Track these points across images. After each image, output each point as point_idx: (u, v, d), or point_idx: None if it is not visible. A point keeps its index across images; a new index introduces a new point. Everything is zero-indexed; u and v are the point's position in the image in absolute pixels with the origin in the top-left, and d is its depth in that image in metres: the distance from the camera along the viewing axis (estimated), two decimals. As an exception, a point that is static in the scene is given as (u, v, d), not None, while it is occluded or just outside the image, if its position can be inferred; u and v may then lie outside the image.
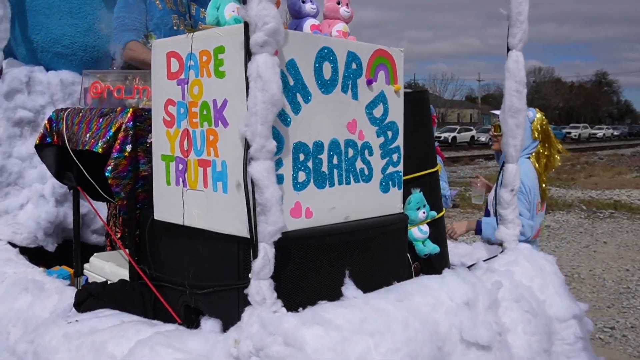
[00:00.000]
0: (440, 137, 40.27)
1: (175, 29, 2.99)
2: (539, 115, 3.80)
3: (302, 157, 1.91)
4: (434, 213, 2.60)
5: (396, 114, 2.29)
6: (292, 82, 1.86)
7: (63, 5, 3.70)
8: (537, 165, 3.75)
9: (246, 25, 1.68)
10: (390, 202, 2.29)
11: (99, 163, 2.36)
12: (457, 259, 2.96)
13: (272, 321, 1.65)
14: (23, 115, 3.51)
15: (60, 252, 3.47)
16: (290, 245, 1.82)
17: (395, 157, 2.30)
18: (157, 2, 2.95)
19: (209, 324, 1.86)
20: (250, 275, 1.69)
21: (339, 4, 2.29)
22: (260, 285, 1.69)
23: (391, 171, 2.29)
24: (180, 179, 2.03)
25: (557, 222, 11.33)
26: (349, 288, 1.87)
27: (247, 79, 1.68)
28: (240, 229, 1.78)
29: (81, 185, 2.73)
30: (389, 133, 2.27)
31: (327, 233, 1.97)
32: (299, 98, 1.89)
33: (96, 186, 2.49)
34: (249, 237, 1.72)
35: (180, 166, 2.02)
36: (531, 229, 3.59)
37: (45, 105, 3.61)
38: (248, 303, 1.71)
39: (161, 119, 2.09)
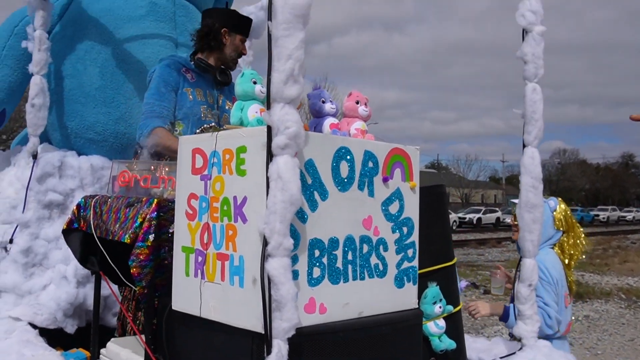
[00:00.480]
0: (465, 218, 39.93)
1: (203, 119, 3.12)
2: (562, 205, 3.80)
3: (317, 253, 1.95)
4: (450, 307, 2.60)
5: (412, 210, 2.34)
6: (310, 181, 1.93)
7: (98, 95, 3.91)
8: (562, 256, 3.71)
9: (269, 127, 1.78)
10: (405, 298, 2.31)
11: (122, 249, 2.44)
12: (475, 355, 2.91)
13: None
14: (53, 199, 3.64)
15: (82, 333, 3.50)
16: (303, 341, 1.83)
17: (410, 252, 2.33)
18: (189, 93, 3.10)
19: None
20: (263, 372, 1.70)
21: (357, 103, 2.40)
22: (273, 382, 1.70)
23: (406, 267, 2.32)
24: (199, 271, 2.08)
25: (596, 312, 10.78)
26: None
27: (267, 178, 1.76)
28: (254, 324, 1.81)
29: (103, 270, 2.79)
30: (405, 229, 2.31)
31: (341, 329, 1.98)
32: (316, 196, 1.96)
33: (119, 273, 2.55)
34: (263, 332, 1.74)
35: (200, 258, 2.08)
36: (560, 323, 3.47)
37: (75, 189, 3.75)
38: (261, 399, 1.71)
39: (184, 211, 2.16)
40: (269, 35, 1.82)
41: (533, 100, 2.80)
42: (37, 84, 3.68)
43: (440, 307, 2.52)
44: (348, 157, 2.08)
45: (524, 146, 2.86)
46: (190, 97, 3.10)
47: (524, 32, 2.83)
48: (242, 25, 3.25)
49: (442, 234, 2.79)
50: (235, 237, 1.93)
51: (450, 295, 2.66)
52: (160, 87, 3.02)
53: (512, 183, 67.88)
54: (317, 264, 1.95)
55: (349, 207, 2.08)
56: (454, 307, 2.68)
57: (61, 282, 3.54)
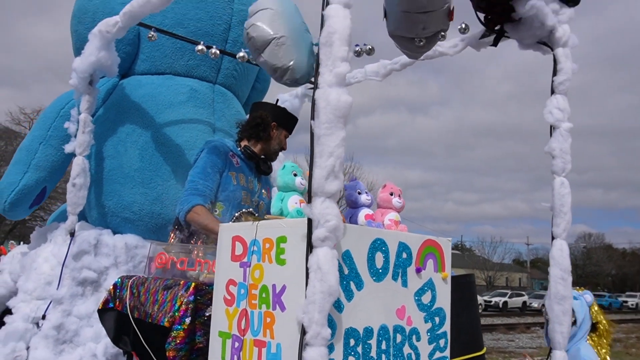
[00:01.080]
0: (491, 301, 38.98)
1: (243, 204, 3.23)
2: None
3: (352, 342, 1.99)
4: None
5: (444, 300, 2.38)
6: (346, 271, 2.00)
7: (137, 176, 4.06)
8: (597, 349, 3.67)
9: (309, 219, 1.87)
10: (438, 390, 2.30)
11: (153, 329, 2.49)
12: None
13: None
14: (87, 276, 3.73)
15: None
16: None
17: (442, 342, 2.35)
18: (233, 177, 3.23)
19: None
20: None
21: (391, 195, 2.50)
22: None
23: (438, 356, 2.33)
24: (235, 357, 2.11)
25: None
26: None
27: (307, 269, 1.83)
28: (291, 414, 1.82)
29: (136, 350, 2.83)
30: (437, 319, 2.34)
31: (375, 421, 1.99)
32: (352, 286, 2.02)
33: (152, 355, 2.59)
34: (299, 421, 1.76)
35: (237, 344, 2.12)
36: None
37: (109, 267, 3.84)
38: None
39: (222, 297, 2.23)
40: (312, 133, 1.94)
41: (561, 193, 2.86)
42: (79, 165, 3.85)
43: (471, 400, 2.50)
44: (383, 248, 2.15)
45: (552, 238, 2.89)
46: (234, 181, 3.22)
47: (552, 128, 2.93)
48: (290, 122, 3.45)
49: (471, 323, 2.80)
50: (273, 324, 1.98)
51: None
52: (207, 167, 3.15)
53: (536, 266, 66.54)
54: (352, 353, 1.98)
55: (384, 297, 2.13)
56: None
57: (90, 361, 3.57)
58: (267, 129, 3.33)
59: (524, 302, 41.73)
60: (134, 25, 3.65)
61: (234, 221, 3.03)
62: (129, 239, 4.01)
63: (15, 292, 4.06)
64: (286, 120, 3.45)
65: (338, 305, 1.95)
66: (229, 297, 2.20)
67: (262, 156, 3.38)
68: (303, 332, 1.80)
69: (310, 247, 1.86)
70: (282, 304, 1.97)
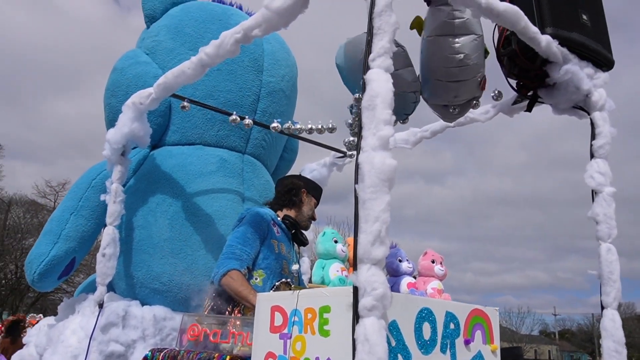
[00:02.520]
0: (526, 378, 37.49)
1: (283, 273, 3.17)
2: None
3: (402, 421, 1.86)
4: None
5: (494, 374, 2.24)
6: (393, 343, 1.90)
7: (166, 246, 4.01)
8: None
9: (355, 288, 1.79)
10: None
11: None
12: None
13: None
14: (115, 349, 3.62)
15: None
16: None
17: (494, 421, 2.20)
18: (275, 245, 3.19)
19: None
20: None
21: (433, 262, 2.41)
22: None
23: None
24: None
25: None
26: None
27: (353, 340, 1.74)
28: None
29: None
30: (488, 395, 2.20)
31: None
32: (400, 359, 1.91)
33: None
34: None
35: (277, 423, 2.00)
36: None
37: (137, 339, 3.73)
38: None
39: (261, 371, 2.12)
40: (356, 198, 1.89)
41: (609, 260, 2.75)
42: (109, 234, 3.81)
43: None
44: (430, 318, 2.05)
45: (602, 308, 2.76)
46: (276, 249, 3.18)
47: (594, 193, 2.85)
48: (317, 190, 3.51)
49: (521, 400, 2.63)
50: (318, 400, 1.87)
51: None
52: (247, 234, 3.11)
53: (564, 337, 64.15)
54: None
55: (432, 372, 2.01)
56: None
57: None
58: (299, 194, 3.38)
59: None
60: (167, 96, 3.71)
61: (273, 291, 2.96)
62: (158, 310, 3.92)
63: (41, 366, 3.97)
64: (314, 188, 3.50)
65: (386, 380, 1.83)
66: (268, 371, 2.10)
67: (298, 225, 3.37)
68: (351, 409, 1.68)
69: (356, 317, 1.77)
70: (326, 379, 1.86)
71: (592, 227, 2.84)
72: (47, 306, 25.08)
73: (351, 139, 3.29)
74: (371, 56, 2.02)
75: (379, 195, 1.86)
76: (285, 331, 2.06)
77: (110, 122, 4.42)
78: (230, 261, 3.04)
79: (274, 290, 2.96)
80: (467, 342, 2.16)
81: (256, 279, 3.12)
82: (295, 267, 3.30)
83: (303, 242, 3.46)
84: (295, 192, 3.37)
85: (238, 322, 2.67)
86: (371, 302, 1.75)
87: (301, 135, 3.99)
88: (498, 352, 2.29)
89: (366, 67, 2.03)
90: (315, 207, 3.46)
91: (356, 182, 1.91)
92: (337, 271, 2.12)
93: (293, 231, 3.38)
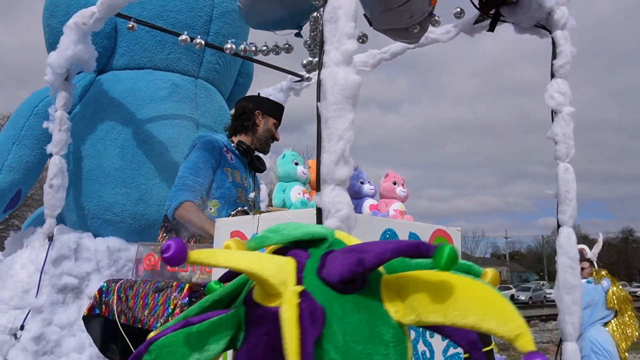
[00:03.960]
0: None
1: (238, 202, 3.08)
2: (614, 287, 3.75)
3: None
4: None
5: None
6: (358, 264, 1.86)
7: (118, 176, 3.86)
8: (614, 336, 3.63)
9: (318, 209, 1.73)
10: (453, 388, 2.18)
11: (146, 336, 2.32)
12: None
13: None
14: (68, 282, 3.52)
15: None
16: None
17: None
18: (229, 173, 3.07)
19: None
20: None
21: (395, 184, 2.37)
22: None
23: (452, 353, 2.22)
24: None
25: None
26: None
27: (317, 263, 1.69)
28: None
29: (124, 359, 2.65)
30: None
31: None
32: (364, 280, 1.88)
33: (144, 363, 2.41)
34: None
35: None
36: None
37: (91, 272, 3.64)
38: None
39: (221, 297, 2.07)
40: (318, 116, 1.80)
41: (566, 179, 2.76)
42: (56, 165, 3.63)
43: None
44: (394, 239, 2.01)
45: (558, 226, 2.80)
46: (230, 177, 3.06)
47: (553, 113, 2.83)
48: (275, 109, 3.29)
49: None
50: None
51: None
52: (199, 163, 2.98)
53: (514, 259, 67.30)
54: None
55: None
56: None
57: (74, 372, 3.37)
58: (252, 117, 3.19)
59: (512, 296, 42.04)
60: (112, 16, 3.46)
61: None
62: (111, 242, 3.81)
63: (-10, 303, 3.84)
64: (270, 108, 3.29)
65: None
66: (229, 297, 2.04)
67: (255, 151, 3.24)
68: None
69: (320, 239, 1.71)
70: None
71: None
72: (-3, 242, 24.49)
73: (310, 59, 3.15)
74: (332, -36, 1.88)
75: (342, 113, 1.77)
76: (246, 256, 2.00)
77: (51, 45, 4.13)
78: (183, 192, 2.93)
79: None
80: (430, 262, 2.15)
81: (210, 209, 3.02)
82: (252, 194, 3.22)
83: (259, 168, 3.35)
84: (248, 116, 3.20)
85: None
86: (336, 224, 1.69)
87: (256, 57, 3.82)
88: (459, 271, 2.30)
89: (327, -23, 1.89)
90: (277, 128, 3.30)
91: (318, 99, 1.81)
92: (299, 194, 2.05)
93: (249, 158, 3.27)
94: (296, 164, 2.11)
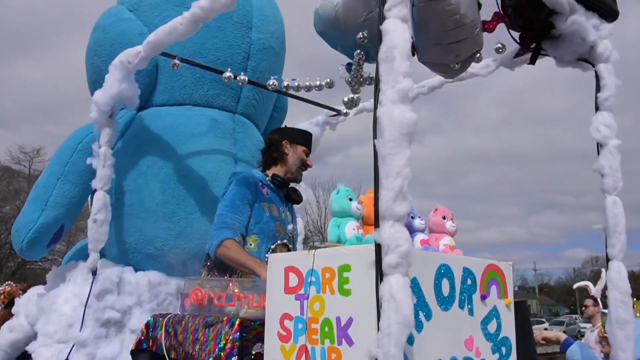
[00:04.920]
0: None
1: (277, 235, 3.10)
2: None
3: (425, 377, 1.84)
4: None
5: (508, 328, 2.24)
6: (415, 300, 1.85)
7: (159, 210, 3.91)
8: None
9: (377, 245, 1.73)
10: None
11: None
12: None
13: None
14: (111, 316, 3.55)
15: None
16: None
17: (509, 375, 2.19)
18: (266, 208, 3.10)
19: None
20: None
21: (444, 218, 2.37)
22: None
23: (507, 391, 2.17)
24: (295, 398, 1.95)
25: None
26: None
27: (378, 298, 1.69)
28: None
29: (171, 394, 2.65)
30: (503, 349, 2.19)
31: None
32: (421, 316, 1.87)
33: (193, 398, 2.41)
34: None
35: (296, 384, 1.96)
36: None
37: (133, 306, 3.67)
38: None
39: (276, 333, 2.07)
40: (375, 153, 1.82)
41: (615, 213, 2.74)
42: (100, 199, 3.69)
43: None
44: (449, 274, 2.01)
45: (607, 260, 2.76)
46: (267, 212, 3.09)
47: (599, 145, 2.82)
48: (301, 136, 3.34)
49: (529, 353, 2.64)
50: (340, 361, 1.83)
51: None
52: (236, 200, 3.03)
53: (543, 292, 65.86)
54: (426, 391, 1.83)
55: (452, 327, 1.99)
56: None
57: (116, 407, 3.37)
58: (279, 147, 3.26)
59: (545, 330, 40.91)
60: (156, 55, 3.56)
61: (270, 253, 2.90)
62: (152, 275, 3.85)
63: (33, 336, 3.88)
64: (297, 135, 3.35)
65: (409, 338, 1.80)
66: (284, 333, 2.05)
67: (289, 182, 3.27)
68: (377, 367, 1.64)
69: (380, 275, 1.72)
70: (349, 338, 1.82)
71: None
72: (28, 275, 24.75)
73: (352, 96, 3.19)
74: (387, 5, 1.92)
75: (399, 150, 1.79)
76: (302, 292, 2.01)
77: (94, 83, 4.25)
78: (223, 231, 2.97)
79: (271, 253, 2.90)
80: (483, 297, 2.14)
81: (250, 244, 3.05)
82: (290, 227, 3.24)
83: (296, 200, 3.38)
84: (275, 147, 3.25)
85: (239, 285, 2.59)
86: (396, 260, 1.70)
87: (299, 93, 3.88)
88: (512, 306, 2.28)
89: (382, 18, 1.93)
90: (308, 155, 3.33)
91: (375, 137, 1.84)
92: (353, 229, 2.06)
93: (285, 190, 3.30)
94: (350, 199, 2.13)
